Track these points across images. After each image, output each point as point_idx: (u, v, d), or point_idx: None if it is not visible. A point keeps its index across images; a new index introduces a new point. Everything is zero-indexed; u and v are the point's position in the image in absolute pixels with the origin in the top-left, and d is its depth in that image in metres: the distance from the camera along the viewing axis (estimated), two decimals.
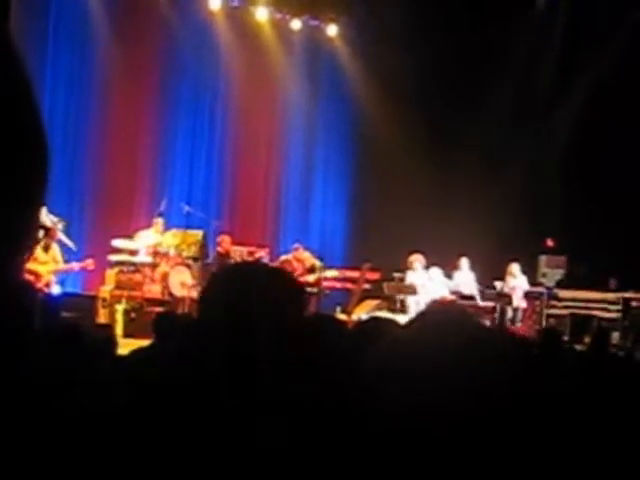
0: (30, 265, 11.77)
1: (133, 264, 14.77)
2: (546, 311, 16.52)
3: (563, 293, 17.04)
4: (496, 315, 15.77)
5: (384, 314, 11.60)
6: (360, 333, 3.27)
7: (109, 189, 16.33)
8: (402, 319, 2.68)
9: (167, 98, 17.34)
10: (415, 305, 14.84)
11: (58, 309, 7.87)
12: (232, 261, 14.98)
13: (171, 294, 14.46)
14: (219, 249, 15.10)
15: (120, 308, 14.01)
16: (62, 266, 13.05)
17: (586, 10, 17.89)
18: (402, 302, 15.31)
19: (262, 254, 15.97)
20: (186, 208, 15.96)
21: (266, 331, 1.82)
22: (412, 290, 15.28)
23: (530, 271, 17.09)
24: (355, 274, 16.21)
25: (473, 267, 16.16)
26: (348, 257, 18.34)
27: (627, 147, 17.28)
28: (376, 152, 18.57)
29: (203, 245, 15.49)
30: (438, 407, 1.60)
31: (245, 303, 1.86)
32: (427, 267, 15.67)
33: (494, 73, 18.35)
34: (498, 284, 16.06)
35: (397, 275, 15.99)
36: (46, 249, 12.64)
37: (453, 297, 15.60)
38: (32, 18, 14.83)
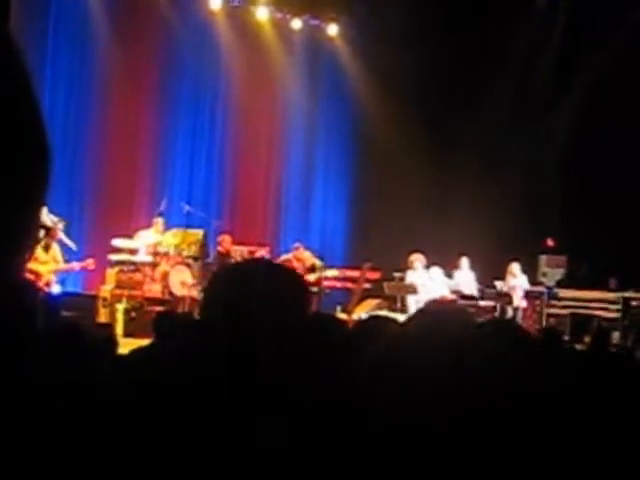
0: (30, 265, 11.76)
1: (133, 263, 14.78)
2: (546, 311, 16.52)
3: (563, 293, 17.04)
4: (496, 315, 15.77)
5: (384, 313, 11.59)
6: (360, 332, 3.27)
7: (109, 188, 16.33)
8: (402, 318, 2.68)
9: (167, 97, 17.34)
10: (415, 304, 14.83)
11: (58, 308, 7.88)
12: (232, 260, 14.98)
13: (171, 293, 14.46)
14: (219, 248, 15.10)
15: (120, 307, 14.01)
16: (62, 266, 13.05)
17: (586, 10, 17.88)
18: (402, 301, 15.31)
19: (263, 253, 15.96)
20: (186, 207, 15.96)
21: (267, 330, 1.82)
22: (412, 290, 15.28)
23: (530, 271, 17.09)
24: (355, 273, 16.22)
25: (473, 267, 16.16)
26: (348, 256, 18.34)
27: (626, 147, 17.27)
28: (376, 152, 18.57)
29: (203, 244, 15.50)
30: (436, 404, 1.60)
31: (245, 302, 1.86)
32: (428, 266, 15.66)
33: (494, 73, 18.35)
34: (498, 284, 16.06)
35: (397, 275, 15.98)
36: (46, 249, 12.64)
37: (453, 297, 15.60)
38: (32, 18, 14.83)
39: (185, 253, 15.16)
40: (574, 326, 15.50)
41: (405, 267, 15.73)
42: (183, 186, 17.42)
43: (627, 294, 16.23)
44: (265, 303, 1.84)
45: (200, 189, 17.68)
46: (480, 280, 16.18)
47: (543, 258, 18.32)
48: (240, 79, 17.82)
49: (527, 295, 16.30)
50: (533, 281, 16.96)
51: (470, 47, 17.54)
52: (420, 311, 1.84)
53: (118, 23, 16.17)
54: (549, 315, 16.52)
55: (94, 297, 13.74)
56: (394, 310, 14.29)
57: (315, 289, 14.99)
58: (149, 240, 14.91)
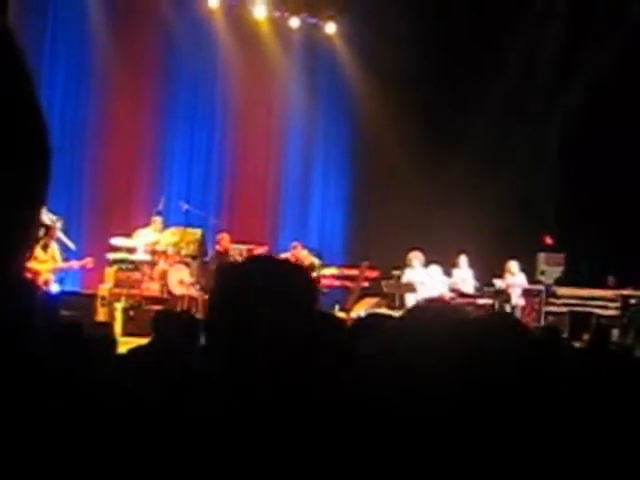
0: (29, 263, 11.76)
1: (132, 262, 14.78)
2: (545, 308, 16.52)
3: (562, 290, 17.05)
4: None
5: (383, 312, 11.60)
6: (358, 329, 3.27)
7: (107, 187, 16.33)
8: None
9: (165, 96, 17.34)
10: (414, 303, 14.84)
11: (58, 308, 7.87)
12: (231, 259, 14.99)
13: (170, 292, 14.46)
14: (218, 247, 15.10)
15: (119, 306, 14.02)
16: (61, 265, 13.05)
17: (585, 9, 17.87)
18: (401, 300, 15.31)
19: (261, 252, 15.97)
20: (185, 206, 15.95)
21: (266, 328, 1.82)
22: (411, 288, 15.28)
23: (529, 269, 17.10)
24: (354, 272, 16.22)
25: (472, 265, 16.17)
26: (347, 255, 18.35)
27: (624, 145, 17.29)
28: (375, 150, 18.57)
29: (202, 243, 15.50)
30: (431, 398, 1.61)
31: (245, 300, 1.86)
32: (426, 264, 15.67)
33: (492, 71, 18.35)
34: (497, 282, 16.06)
35: (396, 273, 15.98)
36: (45, 248, 12.64)
37: (452, 294, 15.61)
38: (30, 17, 14.82)
39: (184, 252, 15.16)
40: (573, 324, 15.52)
41: (404, 265, 15.74)
42: (181, 185, 17.42)
43: (625, 292, 16.24)
44: (266, 300, 1.84)
45: (198, 188, 17.68)
46: (479, 278, 16.19)
47: (541, 256, 18.32)
48: (238, 78, 17.82)
49: (525, 293, 16.31)
50: (531, 279, 16.97)
51: (469, 46, 17.55)
52: (416, 306, 1.84)
53: (116, 22, 16.17)
54: (547, 313, 16.52)
55: (93, 296, 13.74)
56: (393, 308, 14.30)
57: None
58: (148, 239, 14.91)
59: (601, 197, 17.55)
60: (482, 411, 1.63)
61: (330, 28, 18.64)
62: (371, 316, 4.06)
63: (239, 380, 1.81)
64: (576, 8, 18.01)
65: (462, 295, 15.78)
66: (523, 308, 16.22)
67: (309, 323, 1.86)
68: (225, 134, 18.22)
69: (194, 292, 14.51)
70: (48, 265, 12.66)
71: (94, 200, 16.23)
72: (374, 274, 16.18)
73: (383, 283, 15.65)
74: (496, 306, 15.89)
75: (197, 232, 15.59)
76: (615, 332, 14.66)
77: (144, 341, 6.24)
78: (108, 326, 8.83)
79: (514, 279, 16.08)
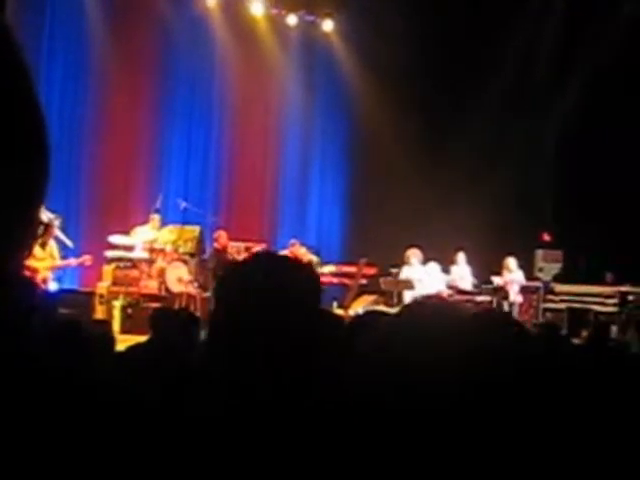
0: (27, 261, 11.75)
1: (130, 260, 14.78)
2: (543, 305, 16.53)
3: (560, 287, 17.06)
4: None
5: (381, 309, 11.61)
6: (356, 326, 3.27)
7: (105, 185, 16.32)
8: None
9: (163, 94, 17.33)
10: (411, 300, 14.86)
11: (56, 305, 7.88)
12: (229, 256, 14.99)
13: (168, 290, 14.46)
14: (216, 245, 15.09)
15: (117, 304, 14.02)
16: (59, 262, 13.04)
17: (582, 4, 17.87)
18: (399, 297, 15.32)
19: (259, 249, 15.96)
20: (183, 204, 15.95)
21: (267, 326, 1.82)
22: (409, 285, 15.29)
23: (527, 265, 17.11)
24: (352, 269, 16.22)
25: (470, 262, 16.18)
26: (345, 252, 18.35)
27: (622, 143, 17.29)
28: (372, 147, 18.58)
29: (200, 241, 15.50)
30: (427, 395, 1.61)
31: (245, 298, 1.86)
32: (424, 262, 15.68)
33: (490, 68, 18.36)
34: (495, 279, 16.07)
35: (394, 270, 16.00)
36: (43, 245, 12.62)
37: (450, 292, 15.62)
38: (28, 14, 14.80)
39: (181, 249, 15.16)
40: (571, 320, 15.52)
41: (402, 262, 15.75)
42: (179, 182, 17.41)
43: (623, 288, 16.25)
44: (267, 299, 1.84)
45: (196, 185, 17.67)
46: (477, 275, 16.20)
47: (539, 253, 18.34)
48: (236, 75, 17.81)
49: (523, 290, 16.32)
50: (529, 276, 16.98)
51: (466, 42, 17.56)
52: (413, 303, 1.84)
53: (114, 19, 16.16)
54: (546, 310, 16.53)
55: (91, 294, 13.72)
56: (390, 305, 14.30)
57: None
58: (146, 237, 14.91)
59: (599, 194, 17.56)
60: (480, 409, 1.63)
61: (327, 25, 18.64)
62: (369, 313, 4.06)
63: (239, 379, 1.81)
64: (574, 5, 18.01)
65: (460, 292, 15.79)
66: (521, 305, 16.22)
67: (311, 321, 1.86)
68: (223, 131, 18.21)
69: (192, 290, 14.51)
70: (46, 263, 12.65)
71: (92, 198, 16.22)
72: (372, 271, 16.19)
73: (381, 280, 15.66)
74: (494, 303, 15.90)
75: (195, 230, 15.59)
76: (614, 329, 14.67)
77: (142, 339, 6.24)
78: (106, 324, 8.83)
79: (512, 276, 16.08)
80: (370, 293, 15.76)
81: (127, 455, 1.70)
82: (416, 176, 17.72)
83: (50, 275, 12.77)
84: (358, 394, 1.67)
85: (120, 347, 6.06)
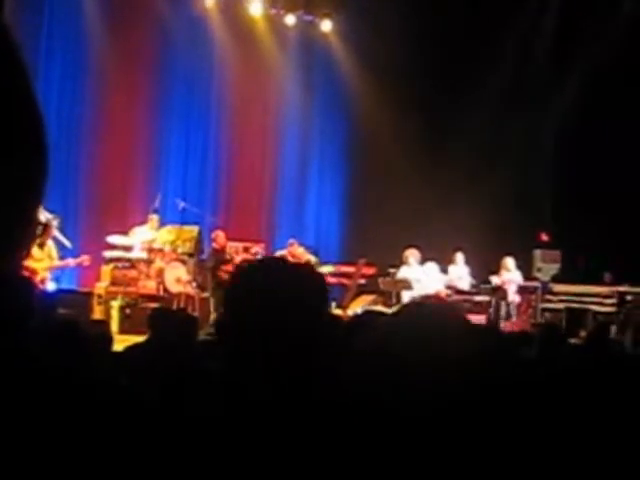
0: (25, 262, 11.74)
1: (128, 260, 14.77)
2: (541, 305, 16.53)
3: (558, 287, 17.05)
4: (491, 310, 15.80)
5: (379, 309, 11.61)
6: (354, 326, 3.27)
7: (104, 185, 16.31)
8: None
9: (161, 94, 17.31)
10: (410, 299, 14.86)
11: (54, 305, 7.88)
12: (227, 257, 14.98)
13: (166, 290, 14.45)
14: (214, 245, 15.08)
15: (115, 304, 14.01)
16: (57, 263, 13.03)
17: (579, 2, 17.87)
18: (397, 297, 15.32)
19: (258, 250, 15.97)
20: (181, 204, 15.94)
21: (270, 331, 1.82)
22: (407, 285, 15.29)
23: (525, 266, 17.11)
24: (350, 269, 16.21)
25: (469, 262, 16.18)
26: (343, 252, 18.35)
27: (620, 142, 17.28)
28: (371, 147, 18.57)
29: (198, 241, 15.49)
30: (422, 395, 1.61)
31: (256, 304, 1.86)
32: (423, 262, 15.68)
33: (488, 67, 18.36)
34: (493, 278, 16.07)
35: (392, 270, 16.01)
36: (41, 246, 12.61)
37: (448, 292, 15.62)
38: (26, 12, 14.77)
39: (180, 250, 15.16)
40: (569, 321, 15.52)
41: (400, 263, 15.76)
42: (177, 182, 17.40)
43: (622, 288, 16.24)
44: (274, 304, 1.84)
45: (194, 185, 17.66)
46: (475, 275, 16.20)
47: (538, 253, 18.34)
48: (234, 75, 17.80)
49: (522, 290, 16.32)
50: (528, 276, 16.98)
51: (465, 42, 17.56)
52: (411, 303, 1.84)
53: (112, 18, 16.14)
54: (544, 310, 16.52)
55: (89, 294, 13.72)
56: (389, 305, 14.30)
57: None
58: (144, 237, 14.90)
59: (597, 193, 17.55)
60: (477, 409, 1.63)
61: (326, 25, 18.62)
62: (367, 313, 4.06)
63: (238, 379, 1.81)
64: (571, 2, 18.01)
65: (458, 292, 15.79)
66: (519, 305, 16.22)
67: (311, 322, 1.86)
68: (221, 131, 18.20)
69: (191, 290, 14.50)
70: (44, 263, 12.64)
71: (90, 198, 16.21)
72: (371, 271, 16.19)
73: (380, 280, 15.66)
74: (492, 303, 15.91)
75: (193, 230, 15.58)
76: (612, 329, 14.68)
77: (141, 339, 6.24)
78: (104, 324, 8.83)
79: (510, 275, 16.08)
80: (369, 293, 15.76)
81: (126, 454, 1.70)
82: (415, 176, 17.71)
83: (48, 275, 12.76)
84: (356, 394, 1.67)
85: (118, 347, 6.06)
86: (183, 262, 14.88)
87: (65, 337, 4.36)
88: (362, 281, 16.00)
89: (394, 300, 15.20)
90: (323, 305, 1.93)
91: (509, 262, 16.11)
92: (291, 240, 15.86)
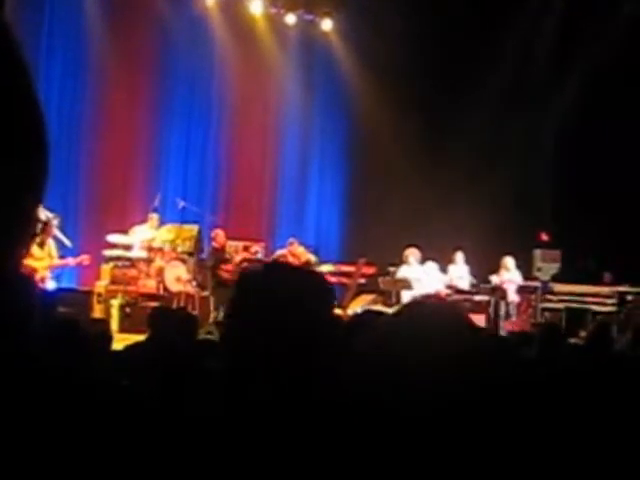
0: (25, 261, 11.74)
1: (128, 259, 14.77)
2: (541, 305, 16.52)
3: (558, 287, 17.04)
4: (490, 310, 15.79)
5: (379, 308, 11.61)
6: (354, 325, 3.27)
7: (104, 184, 16.31)
8: None
9: (161, 93, 17.31)
10: (410, 299, 14.84)
11: (54, 304, 7.87)
12: (227, 256, 14.99)
13: (166, 289, 14.45)
14: (214, 244, 15.08)
15: (115, 303, 14.01)
16: (57, 262, 13.03)
17: (580, 3, 17.86)
18: (397, 296, 15.32)
19: (257, 249, 15.97)
20: (181, 203, 15.94)
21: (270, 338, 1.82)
22: (407, 284, 15.29)
23: (525, 265, 17.10)
24: (350, 269, 16.20)
25: (469, 261, 16.18)
26: (343, 251, 18.34)
27: (620, 141, 17.28)
28: (371, 146, 18.57)
29: (198, 240, 15.49)
30: (423, 395, 1.60)
31: (260, 307, 1.86)
32: (422, 261, 15.68)
33: (489, 68, 18.35)
34: (493, 277, 16.07)
35: (392, 269, 16.00)
36: (41, 245, 12.62)
37: (448, 291, 15.62)
38: (27, 10, 14.76)
39: (180, 249, 15.15)
40: (569, 320, 15.52)
41: (400, 262, 15.75)
42: (178, 181, 17.40)
43: (622, 288, 16.24)
44: (264, 299, 1.84)
45: (195, 184, 17.66)
46: (475, 275, 16.19)
47: (538, 252, 18.33)
48: (234, 74, 17.80)
49: (522, 290, 16.31)
50: (528, 276, 16.97)
51: (465, 41, 17.55)
52: (412, 302, 1.84)
53: (113, 17, 16.14)
54: (544, 309, 16.52)
55: (89, 293, 13.72)
56: (389, 305, 14.29)
57: None
58: (144, 236, 14.90)
59: (597, 193, 17.55)
60: (477, 409, 1.63)
61: (326, 24, 18.62)
62: (367, 313, 4.05)
63: (238, 378, 1.81)
64: (572, 3, 18.01)
65: (458, 292, 15.78)
66: (519, 305, 16.22)
67: (318, 326, 1.86)
68: (221, 130, 18.20)
69: (190, 289, 14.50)
70: (44, 262, 12.65)
71: (90, 196, 16.21)
72: (370, 271, 16.18)
73: (380, 280, 15.65)
74: (492, 303, 15.90)
75: (193, 229, 15.58)
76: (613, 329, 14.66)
77: (140, 338, 6.24)
78: (104, 323, 8.83)
79: (509, 275, 16.07)
80: (369, 292, 15.75)
81: (125, 453, 1.69)
82: (415, 175, 17.71)
83: (48, 274, 12.76)
84: (356, 394, 1.67)
85: (118, 346, 6.06)
86: (183, 261, 14.88)
87: (65, 336, 4.36)
88: (362, 280, 15.99)
89: (394, 300, 15.19)
90: (323, 306, 1.93)
91: (509, 262, 16.11)
92: (291, 239, 15.85)
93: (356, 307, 14.42)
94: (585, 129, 17.99)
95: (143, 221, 15.23)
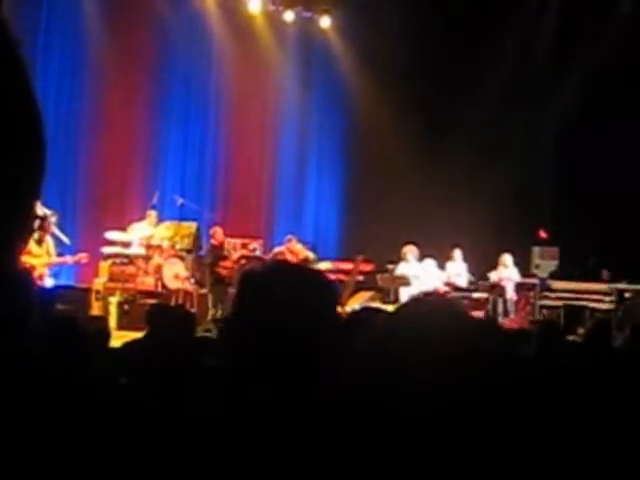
0: (24, 258, 11.73)
1: (126, 256, 14.76)
2: (539, 302, 16.54)
3: (556, 284, 17.06)
4: (489, 307, 15.80)
5: (377, 306, 11.60)
6: (352, 323, 3.27)
7: (102, 181, 16.30)
8: None
9: (160, 90, 17.30)
10: (408, 297, 14.83)
11: (52, 301, 7.87)
12: (225, 253, 14.98)
13: (165, 286, 14.45)
14: (212, 241, 15.08)
15: (113, 300, 14.01)
16: (55, 259, 13.02)
17: (579, 2, 17.86)
18: (395, 293, 15.32)
19: (255, 246, 15.97)
20: (180, 200, 15.94)
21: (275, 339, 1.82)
22: (405, 281, 15.29)
23: (524, 262, 17.11)
24: (349, 266, 16.20)
25: (467, 258, 16.18)
26: (342, 249, 18.35)
27: (620, 139, 17.28)
28: (369, 144, 18.57)
29: (196, 237, 15.48)
30: (423, 394, 1.60)
31: (262, 307, 1.86)
32: (421, 258, 15.69)
33: (488, 65, 18.35)
34: (491, 275, 16.07)
35: (390, 267, 16.01)
36: (40, 242, 12.61)
37: (446, 288, 15.62)
38: (24, 7, 14.73)
39: (178, 246, 15.15)
40: (567, 318, 15.53)
41: (398, 259, 15.76)
42: (176, 179, 17.39)
43: (620, 285, 16.25)
44: (265, 299, 1.84)
45: (193, 182, 17.66)
46: (473, 272, 16.20)
47: (536, 250, 18.34)
48: (233, 71, 17.79)
49: (520, 287, 16.33)
50: (526, 273, 16.98)
51: (464, 39, 17.55)
52: (412, 300, 1.83)
53: (110, 14, 16.12)
54: (542, 307, 16.54)
55: (87, 290, 13.73)
56: (387, 302, 14.30)
57: None
58: (142, 233, 14.89)
59: (596, 191, 17.56)
60: (477, 408, 1.62)
61: (325, 22, 18.61)
62: (365, 310, 4.05)
63: (239, 379, 1.81)
64: (571, 3, 18.00)
65: (457, 289, 15.80)
66: (517, 302, 16.24)
67: (318, 326, 1.86)
68: (219, 128, 18.19)
69: (189, 286, 14.50)
70: (43, 260, 12.64)
71: (88, 194, 16.20)
72: (369, 268, 16.18)
73: (378, 277, 15.66)
74: (490, 300, 15.91)
75: (192, 226, 15.58)
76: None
77: (139, 335, 6.24)
78: (103, 320, 8.83)
79: (507, 272, 16.08)
80: (367, 290, 15.76)
81: (123, 451, 1.69)
82: (413, 173, 17.71)
83: (46, 272, 12.75)
84: (356, 393, 1.67)
85: (116, 343, 6.05)
86: (181, 258, 14.88)
87: (63, 333, 4.35)
88: (360, 278, 16.00)
89: (392, 297, 15.20)
90: (324, 305, 1.93)
91: (507, 259, 16.12)
92: (289, 236, 15.85)
93: (354, 304, 14.42)
94: (585, 129, 17.99)
95: (141, 218, 15.23)
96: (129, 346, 5.67)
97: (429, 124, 17.94)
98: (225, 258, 14.77)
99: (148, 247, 14.78)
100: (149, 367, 4.32)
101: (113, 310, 13.83)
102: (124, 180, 16.67)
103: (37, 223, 12.18)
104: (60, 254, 13.17)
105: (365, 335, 1.75)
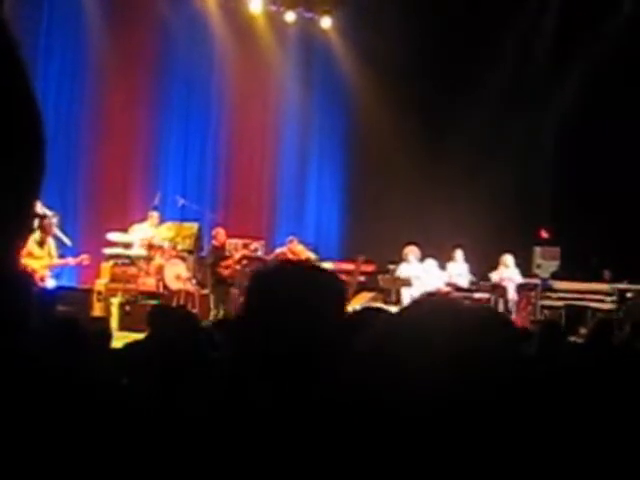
0: (25, 260, 11.74)
1: (128, 257, 14.77)
2: (540, 302, 16.54)
3: (558, 284, 17.06)
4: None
5: (379, 306, 11.60)
6: (353, 322, 3.27)
7: (104, 182, 16.30)
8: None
9: (161, 90, 17.30)
10: (410, 297, 14.84)
11: (54, 303, 7.87)
12: (227, 254, 14.99)
13: (166, 287, 14.45)
14: (214, 242, 15.09)
15: (115, 301, 14.01)
16: (57, 261, 13.02)
17: (579, 2, 17.86)
18: (397, 294, 15.32)
19: (257, 246, 15.97)
20: (181, 201, 15.94)
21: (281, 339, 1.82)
22: (407, 282, 15.29)
23: (525, 263, 17.11)
24: (350, 266, 16.21)
25: (468, 259, 16.18)
26: (343, 249, 18.35)
27: (620, 139, 17.28)
28: (371, 144, 18.58)
29: (198, 238, 15.49)
30: (426, 395, 1.60)
31: (269, 308, 1.86)
32: (422, 259, 15.69)
33: (488, 66, 18.36)
34: (492, 275, 16.07)
35: (392, 267, 16.01)
36: (41, 244, 12.61)
37: (448, 289, 15.62)
38: (25, 8, 14.74)
39: (180, 247, 15.15)
40: (569, 318, 15.52)
41: (400, 260, 15.76)
42: (177, 179, 17.40)
43: (621, 285, 16.25)
44: (266, 300, 1.84)
45: (194, 182, 17.66)
46: (475, 272, 16.19)
47: (537, 250, 18.34)
48: (234, 72, 17.79)
49: (521, 287, 16.32)
50: (527, 273, 16.98)
51: (464, 39, 17.55)
52: (415, 301, 1.83)
53: (112, 15, 16.11)
54: (543, 307, 16.54)
55: (89, 291, 13.73)
56: (389, 303, 14.30)
57: None
58: (144, 234, 14.89)
59: (596, 191, 17.56)
60: (477, 409, 1.62)
61: (326, 22, 18.62)
62: (366, 310, 4.05)
63: (239, 379, 1.81)
64: (571, 3, 18.00)
65: (458, 289, 15.79)
66: (518, 302, 16.23)
67: (319, 326, 1.86)
68: (221, 128, 18.20)
69: (190, 287, 14.50)
70: (44, 261, 12.64)
71: (90, 195, 16.20)
72: (370, 268, 16.19)
73: (379, 277, 15.66)
74: (492, 300, 15.91)
75: (193, 227, 15.58)
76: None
77: (140, 336, 6.24)
78: (104, 321, 8.83)
79: (508, 272, 16.07)
80: (368, 290, 15.76)
81: (124, 452, 1.69)
82: (414, 172, 17.72)
83: (48, 273, 12.75)
84: (355, 393, 1.67)
85: (118, 344, 6.05)
86: (183, 259, 14.88)
87: (65, 334, 4.36)
88: (362, 278, 16.00)
89: (394, 297, 15.21)
90: (328, 306, 1.93)
91: (508, 259, 16.11)
92: (291, 237, 15.85)
93: (356, 305, 14.42)
94: (585, 129, 17.98)
95: (143, 219, 15.24)
96: (130, 347, 5.67)
97: (429, 124, 17.94)
98: (226, 258, 14.78)
99: (150, 248, 14.78)
100: (150, 368, 4.32)
101: (114, 311, 13.83)
102: (125, 181, 16.67)
103: (37, 222, 12.18)
104: (62, 255, 13.17)
105: (366, 335, 1.75)
